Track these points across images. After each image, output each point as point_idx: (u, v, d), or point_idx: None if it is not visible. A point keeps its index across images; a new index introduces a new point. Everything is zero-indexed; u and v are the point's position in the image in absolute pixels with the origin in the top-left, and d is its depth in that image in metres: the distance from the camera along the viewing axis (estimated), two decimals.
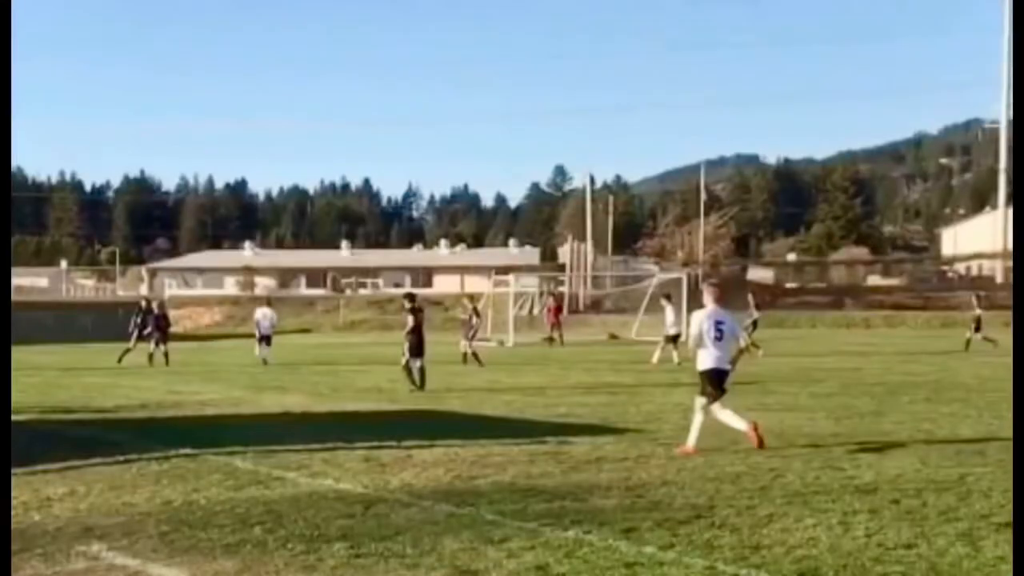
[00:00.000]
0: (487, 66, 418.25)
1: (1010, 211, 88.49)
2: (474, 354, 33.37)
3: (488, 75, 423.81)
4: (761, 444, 13.79)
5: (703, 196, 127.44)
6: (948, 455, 13.20)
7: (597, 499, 10.62)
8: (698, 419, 14.00)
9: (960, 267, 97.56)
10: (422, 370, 24.17)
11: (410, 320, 24.52)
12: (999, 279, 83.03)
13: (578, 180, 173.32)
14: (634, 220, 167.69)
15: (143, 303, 38.61)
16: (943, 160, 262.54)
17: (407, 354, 24.30)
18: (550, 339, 49.41)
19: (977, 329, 39.40)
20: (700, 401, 14.13)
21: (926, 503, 10.20)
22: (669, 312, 34.10)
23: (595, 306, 75.68)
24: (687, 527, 9.27)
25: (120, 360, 34.72)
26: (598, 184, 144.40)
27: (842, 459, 12.92)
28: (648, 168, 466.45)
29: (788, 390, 23.11)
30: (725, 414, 14.16)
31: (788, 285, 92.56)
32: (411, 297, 25.80)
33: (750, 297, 39.91)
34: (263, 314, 36.76)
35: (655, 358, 32.81)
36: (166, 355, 34.74)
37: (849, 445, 14.16)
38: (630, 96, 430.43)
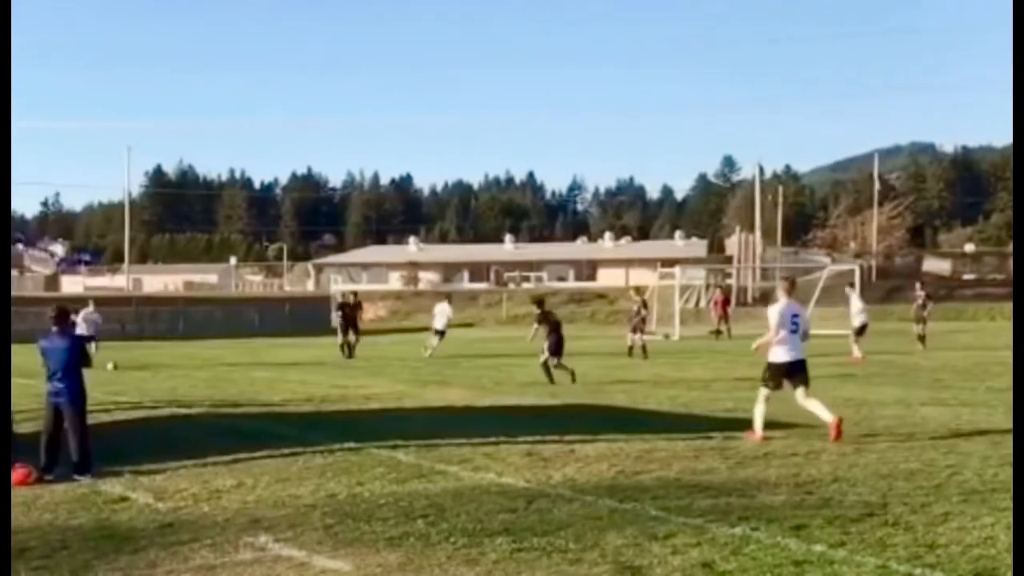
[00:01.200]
0: (652, 57, 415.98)
1: None
2: (643, 347, 33.49)
3: (653, 65, 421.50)
4: (839, 437, 13.96)
5: (876, 185, 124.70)
6: None
7: (764, 495, 10.49)
8: (760, 408, 14.61)
9: None
10: (561, 367, 24.74)
11: (540, 326, 26.02)
12: None
13: (746, 171, 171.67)
14: (804, 211, 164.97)
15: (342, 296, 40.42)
16: None
17: (546, 352, 25.09)
18: (717, 332, 49.00)
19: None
20: (764, 392, 14.73)
21: None
22: (855, 301, 33.38)
23: (764, 298, 74.65)
24: (859, 525, 9.10)
25: (349, 355, 35.89)
26: (767, 174, 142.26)
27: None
28: (819, 158, 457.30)
29: (965, 384, 22.52)
30: (812, 403, 14.56)
31: (966, 276, 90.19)
32: (540, 303, 27.31)
33: (918, 286, 38.65)
34: (440, 309, 37.91)
35: (856, 352, 31.91)
36: (352, 347, 36.28)
37: None
38: (800, 85, 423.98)
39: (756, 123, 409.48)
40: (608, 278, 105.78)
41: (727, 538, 8.73)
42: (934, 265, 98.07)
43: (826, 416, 14.39)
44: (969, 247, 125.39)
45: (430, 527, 9.34)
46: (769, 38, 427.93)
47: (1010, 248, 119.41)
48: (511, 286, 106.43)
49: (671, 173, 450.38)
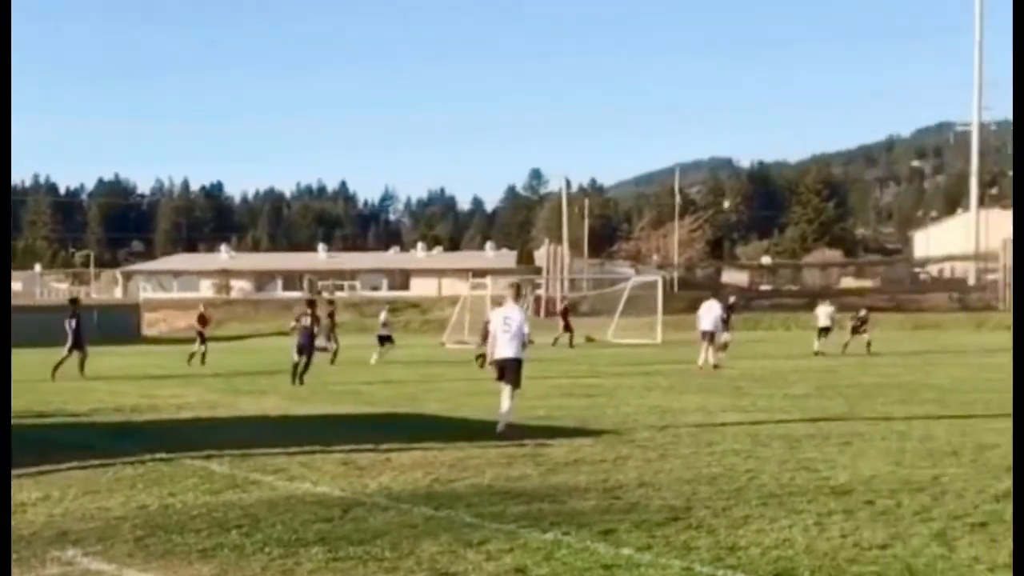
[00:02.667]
0: (462, 69, 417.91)
1: (982, 213, 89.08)
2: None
3: (463, 77, 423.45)
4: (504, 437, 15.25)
5: (678, 199, 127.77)
6: (922, 456, 13.26)
7: (575, 501, 10.62)
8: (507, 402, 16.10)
9: (932, 269, 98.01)
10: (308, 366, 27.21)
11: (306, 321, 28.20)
12: (971, 281, 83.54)
13: (554, 183, 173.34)
14: (610, 223, 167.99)
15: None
16: (915, 163, 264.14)
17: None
18: (570, 341, 49.92)
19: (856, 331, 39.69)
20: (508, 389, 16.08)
21: (900, 504, 10.24)
22: (822, 310, 37.18)
23: (572, 309, 75.70)
24: (664, 529, 9.28)
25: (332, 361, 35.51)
26: (574, 187, 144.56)
27: (817, 461, 12.95)
28: (623, 172, 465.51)
29: (763, 392, 23.18)
30: (509, 403, 16.12)
31: (762, 287, 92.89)
32: (311, 303, 30.23)
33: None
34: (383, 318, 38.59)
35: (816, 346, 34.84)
36: (203, 356, 36.51)
37: (824, 447, 14.20)
38: (605, 99, 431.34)
39: (562, 136, 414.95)
40: (421, 287, 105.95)
41: (539, 543, 8.81)
42: (733, 277, 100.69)
43: (504, 416, 15.88)
44: (766, 259, 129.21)
45: (244, 538, 9.19)
46: (576, 53, 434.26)
47: (803, 260, 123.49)
48: (325, 295, 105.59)
49: (481, 185, 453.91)
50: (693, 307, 72.55)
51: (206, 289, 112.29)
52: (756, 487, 11.24)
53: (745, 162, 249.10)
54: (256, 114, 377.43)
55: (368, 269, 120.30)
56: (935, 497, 10.55)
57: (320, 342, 30.20)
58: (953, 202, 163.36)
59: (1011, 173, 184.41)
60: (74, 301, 35.38)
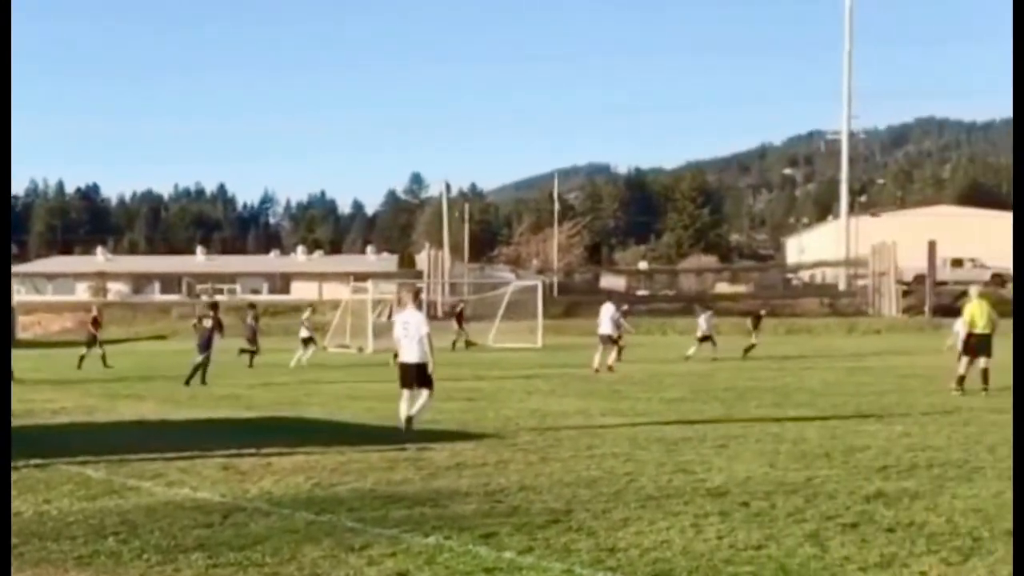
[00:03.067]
0: (342, 72, 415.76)
1: (852, 220, 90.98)
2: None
3: (343, 81, 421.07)
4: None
5: (556, 205, 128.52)
6: (795, 458, 13.50)
7: (457, 505, 10.63)
8: (401, 404, 16.38)
9: (804, 275, 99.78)
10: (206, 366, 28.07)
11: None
12: (842, 286, 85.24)
13: (434, 188, 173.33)
14: (490, 228, 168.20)
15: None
16: (787, 170, 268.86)
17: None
18: (466, 342, 50.09)
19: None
20: (405, 393, 16.36)
21: (775, 505, 10.41)
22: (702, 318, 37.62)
23: (453, 313, 75.74)
24: (545, 531, 9.32)
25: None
26: (454, 192, 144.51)
27: (693, 463, 13.12)
28: (503, 177, 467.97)
29: (640, 395, 23.40)
30: (417, 403, 16.31)
31: (640, 292, 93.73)
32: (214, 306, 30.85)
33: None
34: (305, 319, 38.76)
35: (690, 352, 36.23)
36: (103, 358, 35.97)
37: (700, 449, 14.39)
38: (484, 105, 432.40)
39: (442, 140, 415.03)
40: (301, 291, 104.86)
41: (421, 547, 8.79)
42: (611, 282, 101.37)
43: (402, 416, 16.17)
44: (642, 265, 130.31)
45: (122, 544, 9.02)
46: (454, 57, 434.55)
47: (679, 265, 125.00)
48: (203, 298, 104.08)
49: (362, 188, 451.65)
50: (572, 312, 73.16)
51: (82, 292, 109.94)
52: (635, 490, 11.35)
53: (622, 168, 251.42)
54: (133, 115, 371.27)
55: (248, 272, 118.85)
56: (808, 498, 10.74)
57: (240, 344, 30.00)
58: (824, 209, 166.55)
59: (880, 181, 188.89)
60: None
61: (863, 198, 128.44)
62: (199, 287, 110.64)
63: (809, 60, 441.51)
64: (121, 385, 28.47)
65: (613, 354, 32.01)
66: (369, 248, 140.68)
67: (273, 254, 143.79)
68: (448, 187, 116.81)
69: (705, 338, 38.62)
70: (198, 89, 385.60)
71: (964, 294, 24.81)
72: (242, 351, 36.86)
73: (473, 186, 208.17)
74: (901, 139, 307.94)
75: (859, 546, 8.70)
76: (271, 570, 8.18)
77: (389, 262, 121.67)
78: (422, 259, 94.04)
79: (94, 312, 39.08)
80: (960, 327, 24.25)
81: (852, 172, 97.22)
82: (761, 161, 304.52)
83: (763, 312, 46.47)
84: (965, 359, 23.17)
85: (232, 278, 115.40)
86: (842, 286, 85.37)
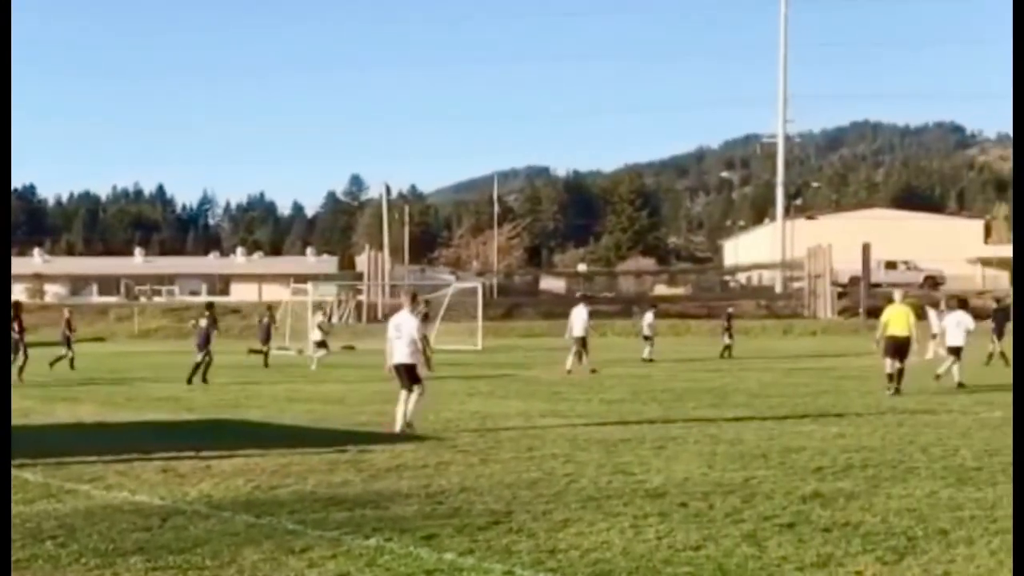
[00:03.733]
0: (281, 75, 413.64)
1: (788, 223, 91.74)
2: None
3: (282, 83, 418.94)
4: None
5: (496, 207, 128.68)
6: (733, 459, 13.58)
7: (398, 507, 10.59)
8: (399, 407, 16.66)
9: (741, 277, 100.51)
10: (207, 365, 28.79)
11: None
12: (778, 288, 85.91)
13: (374, 190, 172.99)
14: (430, 230, 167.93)
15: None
16: (724, 174, 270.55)
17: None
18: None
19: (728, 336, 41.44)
20: (403, 394, 16.73)
21: (713, 506, 10.47)
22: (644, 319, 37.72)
23: (393, 314, 75.51)
24: (486, 533, 9.31)
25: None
26: (394, 194, 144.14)
27: (633, 464, 13.16)
28: (442, 179, 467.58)
29: (580, 397, 23.46)
30: (408, 406, 16.63)
31: (579, 294, 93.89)
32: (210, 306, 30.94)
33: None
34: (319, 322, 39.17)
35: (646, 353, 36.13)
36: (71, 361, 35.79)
37: (639, 450, 14.44)
38: (423, 107, 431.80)
39: (382, 142, 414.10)
40: (241, 293, 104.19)
41: (362, 550, 8.75)
42: (550, 284, 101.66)
43: (398, 422, 16.48)
44: (582, 267, 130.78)
45: (60, 548, 8.90)
46: (394, 59, 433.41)
47: (618, 268, 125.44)
48: (142, 300, 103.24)
49: (302, 190, 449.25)
50: (512, 313, 73.28)
51: (19, 293, 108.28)
52: (575, 491, 11.37)
53: (561, 171, 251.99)
54: (70, 115, 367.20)
55: (187, 274, 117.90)
56: (745, 499, 10.81)
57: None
58: (760, 212, 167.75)
59: (815, 184, 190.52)
60: None
61: (799, 201, 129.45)
62: (137, 289, 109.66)
63: (746, 64, 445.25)
64: (59, 388, 28.13)
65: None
66: (309, 250, 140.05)
67: (212, 256, 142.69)
68: (388, 189, 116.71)
69: (647, 338, 38.86)
70: (137, 90, 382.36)
71: (891, 300, 25.43)
72: (252, 351, 37.11)
73: (413, 188, 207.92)
74: (836, 143, 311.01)
75: (796, 546, 8.76)
76: (211, 573, 8.11)
77: (329, 264, 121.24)
78: (362, 261, 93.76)
79: (67, 314, 38.87)
80: (934, 318, 25.25)
81: (788, 175, 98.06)
82: (698, 164, 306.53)
83: (731, 311, 47.10)
84: (888, 360, 23.73)
85: (171, 280, 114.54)
86: (778, 288, 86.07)
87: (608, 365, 34.57)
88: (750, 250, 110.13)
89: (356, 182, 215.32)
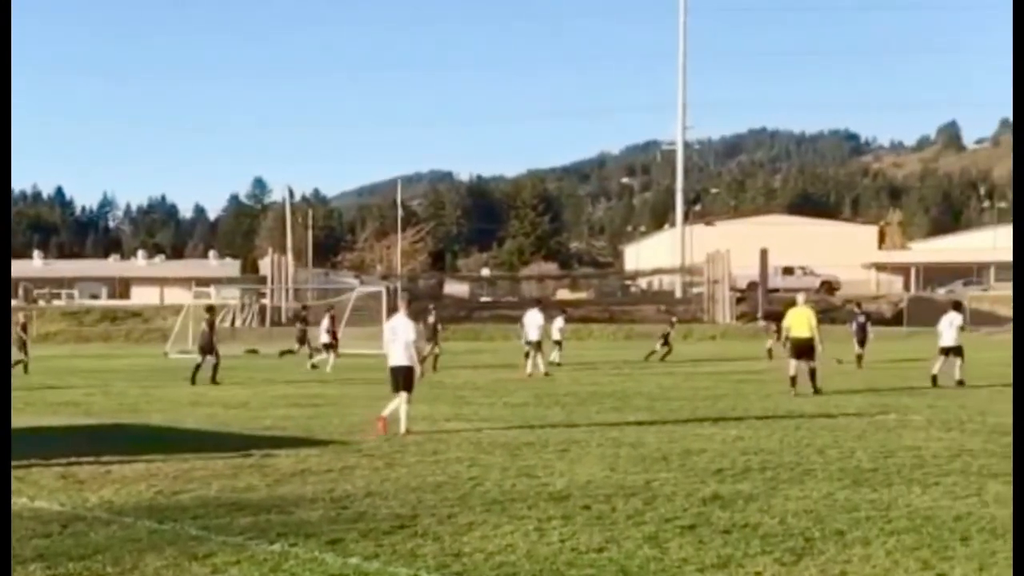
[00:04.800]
0: (182, 76, 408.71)
1: (688, 229, 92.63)
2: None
3: (183, 86, 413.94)
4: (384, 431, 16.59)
5: (400, 211, 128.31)
6: (634, 461, 13.69)
7: (302, 511, 10.53)
8: (391, 403, 17.14)
9: (642, 282, 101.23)
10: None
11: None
12: (678, 293, 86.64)
13: (277, 193, 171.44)
14: (334, 233, 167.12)
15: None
16: (625, 180, 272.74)
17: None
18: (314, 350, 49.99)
19: (665, 343, 41.58)
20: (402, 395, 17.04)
21: (615, 508, 10.54)
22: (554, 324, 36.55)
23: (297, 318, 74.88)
24: (391, 537, 9.30)
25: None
26: (297, 197, 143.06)
27: (537, 467, 13.21)
28: (346, 182, 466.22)
29: (484, 401, 23.48)
30: (401, 408, 16.98)
31: (483, 299, 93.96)
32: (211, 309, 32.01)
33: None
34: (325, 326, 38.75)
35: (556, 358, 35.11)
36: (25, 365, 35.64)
37: (543, 454, 14.49)
38: (327, 110, 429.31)
39: (285, 145, 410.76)
40: (142, 296, 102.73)
41: (267, 555, 8.69)
42: (454, 288, 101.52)
43: (403, 423, 16.84)
44: (485, 271, 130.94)
45: None
46: (299, 64, 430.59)
47: (521, 272, 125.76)
48: (41, 303, 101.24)
49: (203, 193, 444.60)
50: (416, 318, 72.91)
51: None
52: (480, 494, 11.38)
53: (464, 175, 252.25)
54: None
55: (87, 277, 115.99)
56: (647, 501, 10.90)
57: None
58: (660, 217, 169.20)
59: (714, 190, 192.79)
60: None
61: (698, 207, 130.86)
62: (36, 292, 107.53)
63: (646, 71, 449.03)
64: None
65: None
66: (211, 253, 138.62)
67: (113, 259, 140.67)
68: (291, 192, 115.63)
69: (557, 342, 38.95)
70: (34, 89, 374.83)
71: (793, 303, 26.13)
72: (284, 352, 39.36)
73: (316, 192, 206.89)
74: (734, 149, 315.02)
75: (696, 547, 8.86)
76: None
77: (232, 267, 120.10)
78: (265, 264, 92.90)
79: (22, 319, 38.89)
80: (941, 325, 27.51)
81: (687, 181, 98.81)
82: (600, 170, 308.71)
83: (675, 319, 48.07)
84: (792, 361, 24.33)
85: (70, 283, 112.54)
86: (678, 293, 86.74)
87: (513, 369, 34.62)
88: (650, 255, 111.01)
89: (259, 185, 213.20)
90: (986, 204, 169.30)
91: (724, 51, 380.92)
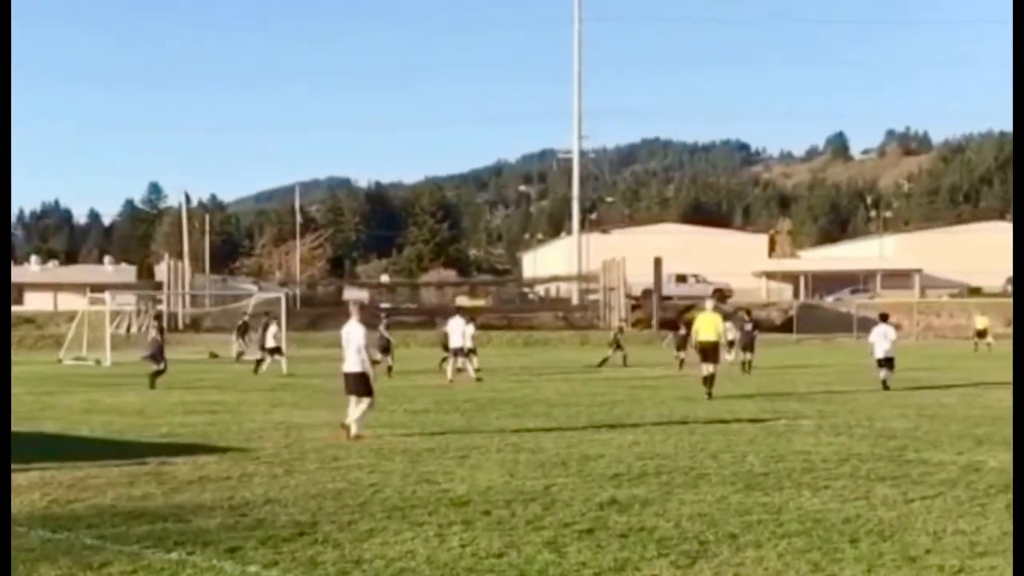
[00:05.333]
0: (76, 78, 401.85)
1: (584, 236, 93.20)
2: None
3: (77, 87, 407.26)
4: (346, 438, 16.69)
5: (298, 217, 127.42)
6: (534, 467, 13.72)
7: (200, 519, 10.38)
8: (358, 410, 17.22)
9: (540, 289, 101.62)
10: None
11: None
12: (575, 300, 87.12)
13: (173, 198, 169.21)
14: (232, 239, 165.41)
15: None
16: (522, 188, 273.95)
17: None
18: (212, 354, 49.63)
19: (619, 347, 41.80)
20: (352, 399, 17.30)
21: (515, 513, 10.55)
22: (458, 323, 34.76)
23: (194, 325, 73.94)
24: (291, 544, 9.21)
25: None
26: (194, 203, 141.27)
27: (437, 473, 13.18)
28: (244, 188, 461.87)
29: (385, 407, 23.28)
30: (356, 411, 17.22)
31: (383, 305, 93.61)
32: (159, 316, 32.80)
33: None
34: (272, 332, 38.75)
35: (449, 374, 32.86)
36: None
37: (443, 460, 14.46)
38: (224, 116, 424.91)
39: (181, 151, 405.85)
40: (35, 302, 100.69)
41: (164, 563, 8.56)
42: (354, 295, 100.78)
43: (354, 427, 16.95)
44: (385, 278, 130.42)
45: None
46: (195, 69, 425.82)
47: (420, 279, 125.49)
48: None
49: (98, 198, 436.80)
50: (315, 324, 72.41)
51: None
52: (380, 501, 11.32)
53: (363, 182, 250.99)
54: None
55: None
56: (546, 506, 10.93)
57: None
58: (557, 225, 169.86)
59: (610, 199, 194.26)
60: None
61: (594, 215, 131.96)
62: None
63: (543, 80, 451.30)
64: None
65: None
66: (106, 258, 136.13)
67: None
68: (188, 198, 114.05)
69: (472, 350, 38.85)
70: None
71: (694, 307, 26.95)
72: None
73: (213, 197, 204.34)
74: (629, 159, 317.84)
75: (594, 551, 8.90)
76: None
77: (127, 273, 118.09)
78: (161, 270, 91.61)
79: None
80: (874, 336, 28.30)
81: (583, 190, 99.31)
82: (497, 178, 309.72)
83: (622, 325, 48.66)
84: (704, 365, 25.36)
85: None
86: (575, 300, 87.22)
87: (412, 375, 34.56)
88: (548, 263, 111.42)
89: (155, 190, 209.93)
90: (872, 213, 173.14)
91: (619, 60, 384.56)
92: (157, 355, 30.81)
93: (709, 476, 12.91)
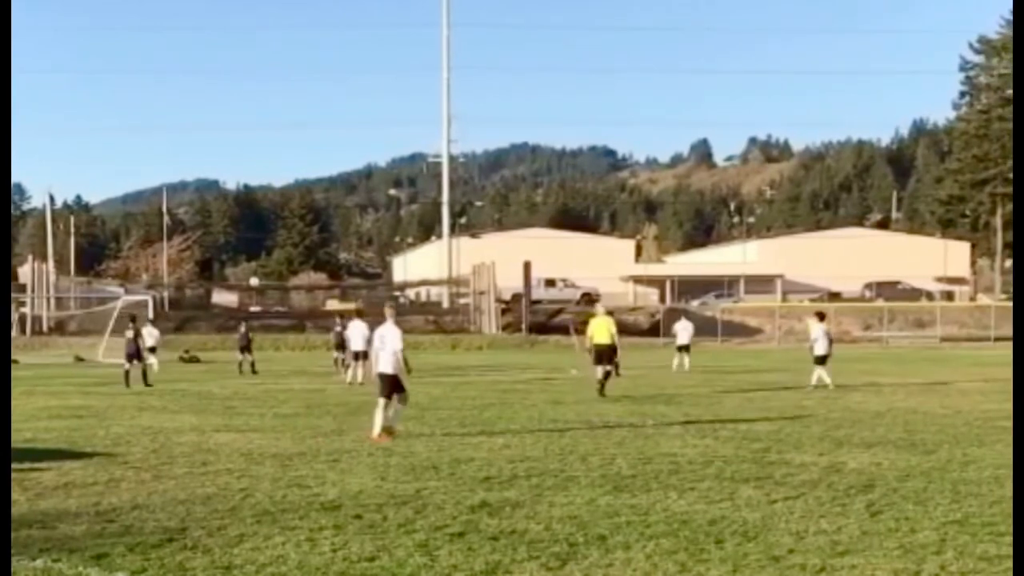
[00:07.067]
0: None
1: (454, 241, 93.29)
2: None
3: None
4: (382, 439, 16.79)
5: (166, 219, 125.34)
6: (405, 471, 13.68)
7: (66, 526, 10.15)
8: (377, 415, 17.33)
9: (411, 292, 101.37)
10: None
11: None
12: (445, 304, 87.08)
13: (37, 199, 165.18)
14: (97, 241, 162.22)
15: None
16: (392, 191, 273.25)
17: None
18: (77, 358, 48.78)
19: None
20: (380, 400, 17.35)
21: (386, 517, 10.52)
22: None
23: (59, 328, 72.22)
24: (159, 551, 9.05)
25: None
26: (58, 204, 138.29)
27: (308, 478, 13.07)
28: (110, 190, 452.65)
29: (255, 411, 23.08)
30: (384, 413, 17.32)
31: (252, 308, 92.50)
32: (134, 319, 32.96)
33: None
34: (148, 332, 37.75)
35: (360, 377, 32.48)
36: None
37: (314, 464, 14.35)
38: (89, 115, 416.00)
39: (46, 152, 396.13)
40: None
41: (28, 571, 8.37)
42: (223, 298, 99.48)
43: (376, 427, 17.09)
44: (254, 281, 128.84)
45: None
46: (61, 66, 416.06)
47: (291, 282, 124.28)
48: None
49: None
50: (184, 327, 71.29)
51: None
52: (250, 505, 11.19)
53: (231, 184, 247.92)
54: None
55: None
56: (417, 510, 10.91)
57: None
58: (427, 229, 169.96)
59: (479, 203, 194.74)
60: None
61: (463, 219, 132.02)
62: None
63: (412, 84, 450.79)
64: None
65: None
66: None
67: None
68: (52, 198, 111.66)
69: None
70: None
71: (594, 314, 27.72)
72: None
73: (78, 198, 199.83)
74: (498, 164, 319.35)
75: (466, 554, 8.91)
76: None
77: None
78: (25, 272, 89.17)
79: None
80: (817, 333, 29.17)
81: (453, 194, 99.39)
82: (367, 181, 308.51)
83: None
84: (598, 368, 26.40)
85: None
86: (445, 304, 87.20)
87: (283, 378, 34.21)
88: (418, 266, 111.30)
89: (18, 190, 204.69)
90: (736, 219, 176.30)
91: (488, 66, 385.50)
92: (133, 355, 31.46)
93: (578, 478, 13.01)
